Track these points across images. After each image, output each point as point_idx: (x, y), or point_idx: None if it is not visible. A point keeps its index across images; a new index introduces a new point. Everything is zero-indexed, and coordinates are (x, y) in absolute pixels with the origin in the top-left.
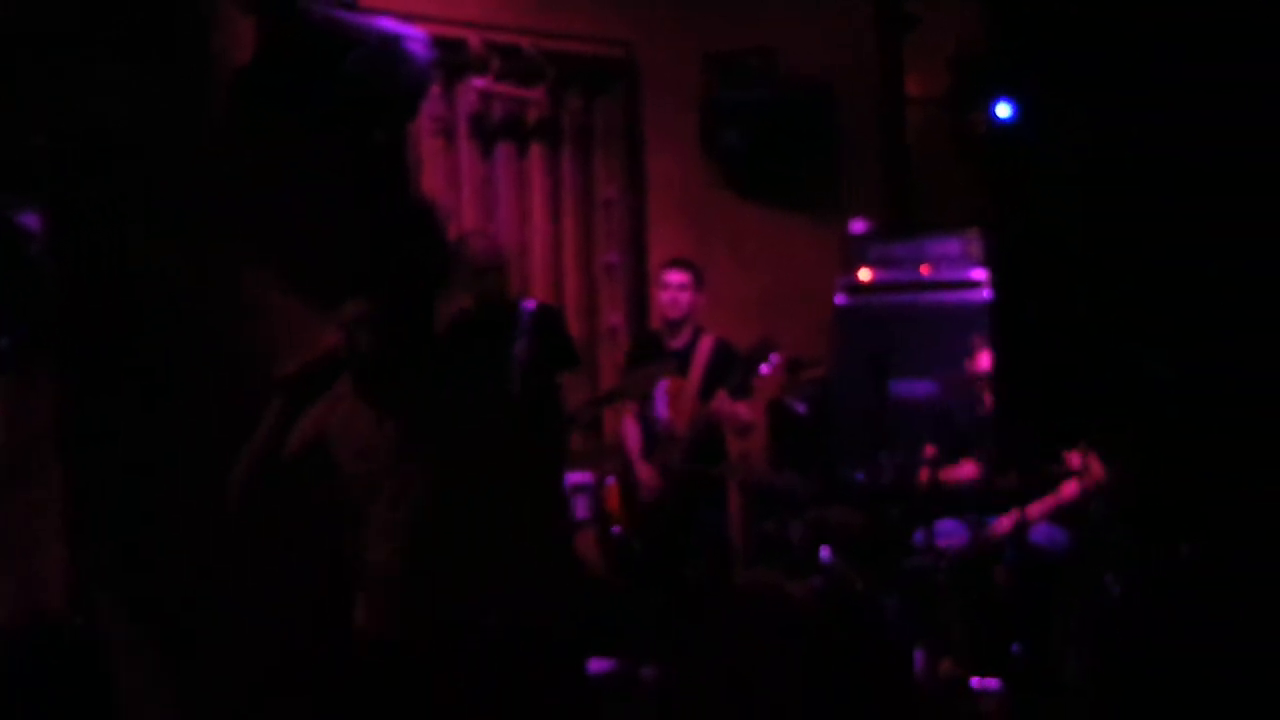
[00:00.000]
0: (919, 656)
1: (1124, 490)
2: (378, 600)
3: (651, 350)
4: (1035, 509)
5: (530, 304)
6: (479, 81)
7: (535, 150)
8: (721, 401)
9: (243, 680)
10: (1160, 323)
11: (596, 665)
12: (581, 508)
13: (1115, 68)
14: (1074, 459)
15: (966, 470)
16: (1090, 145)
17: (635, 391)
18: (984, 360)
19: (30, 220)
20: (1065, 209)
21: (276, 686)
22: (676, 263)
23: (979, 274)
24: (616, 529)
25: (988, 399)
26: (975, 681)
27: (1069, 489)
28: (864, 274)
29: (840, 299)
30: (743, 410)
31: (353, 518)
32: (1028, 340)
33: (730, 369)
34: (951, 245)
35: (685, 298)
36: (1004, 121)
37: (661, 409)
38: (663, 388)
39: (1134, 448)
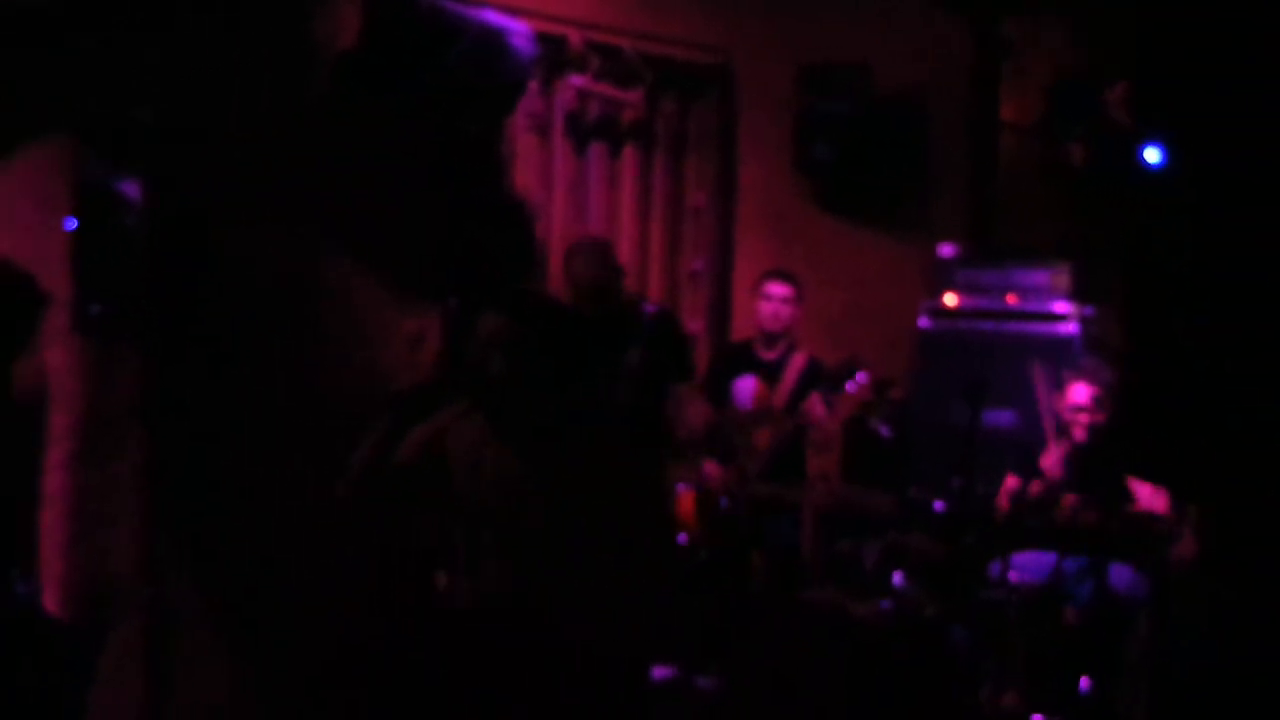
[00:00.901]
0: (984, 687)
1: (1208, 539)
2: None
3: (742, 360)
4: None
5: (651, 308)
6: (577, 80)
7: (628, 152)
8: (814, 403)
9: (304, 663)
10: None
11: (655, 671)
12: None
13: (1255, 103)
14: (1160, 503)
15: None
16: (1231, 189)
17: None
18: (1075, 395)
19: (129, 189)
20: (1191, 242)
21: (336, 672)
22: (780, 275)
23: (1065, 307)
24: (683, 537)
25: (1076, 434)
26: (1037, 717)
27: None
28: (949, 298)
29: (924, 322)
30: (830, 428)
31: (463, 535)
32: (1150, 381)
33: (819, 386)
34: (1039, 275)
35: (788, 311)
36: (1153, 167)
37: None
38: (749, 397)
39: (1226, 498)
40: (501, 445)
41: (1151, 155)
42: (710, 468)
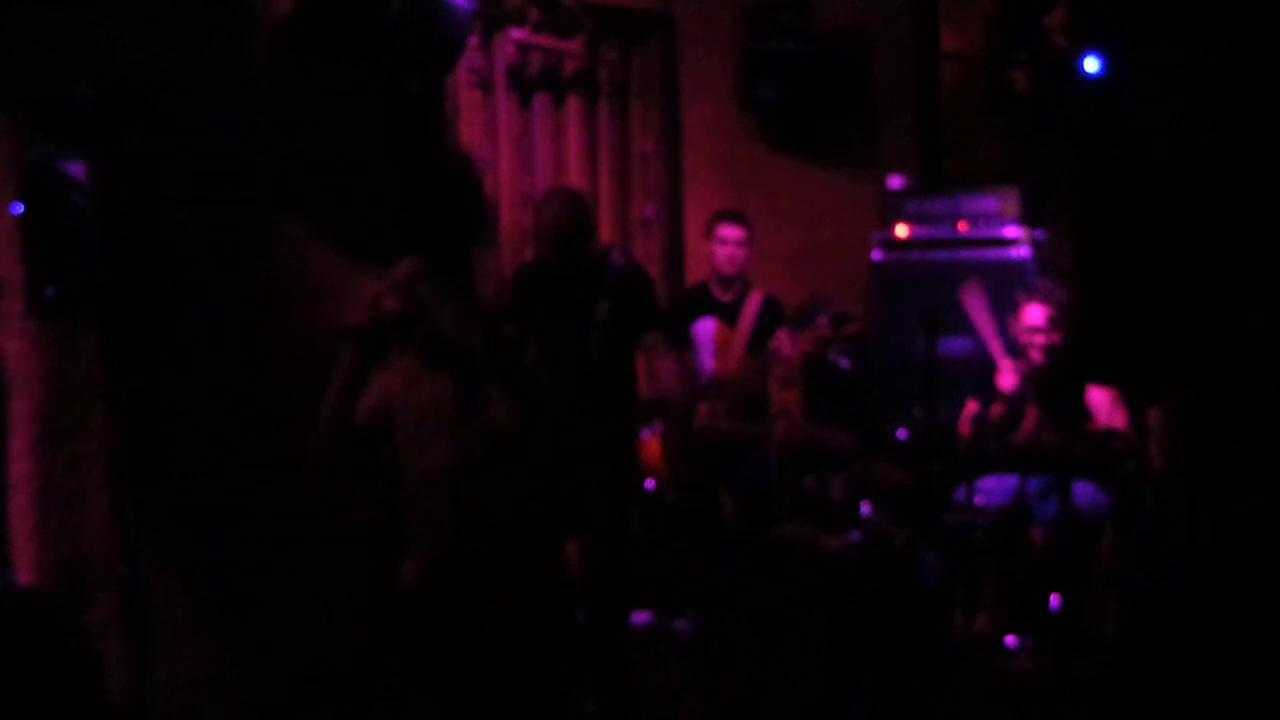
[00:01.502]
0: (956, 613)
1: (1176, 446)
2: (428, 557)
3: (699, 303)
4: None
5: (618, 259)
6: (517, 33)
7: (572, 102)
8: (781, 340)
9: (282, 631)
10: (1249, 277)
11: (633, 618)
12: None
13: (1199, 13)
14: (1119, 420)
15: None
16: (1176, 95)
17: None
18: (1030, 316)
19: (75, 169)
20: (1150, 160)
21: (314, 639)
22: (731, 216)
23: (1015, 231)
24: (650, 482)
25: (1033, 356)
26: (1010, 639)
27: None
28: (901, 230)
29: (877, 255)
30: (792, 362)
31: (410, 479)
32: (1105, 294)
33: (778, 324)
34: (989, 202)
35: (742, 253)
36: (1092, 76)
37: (707, 360)
38: (709, 339)
39: (1191, 403)
40: (438, 380)
41: (1090, 65)
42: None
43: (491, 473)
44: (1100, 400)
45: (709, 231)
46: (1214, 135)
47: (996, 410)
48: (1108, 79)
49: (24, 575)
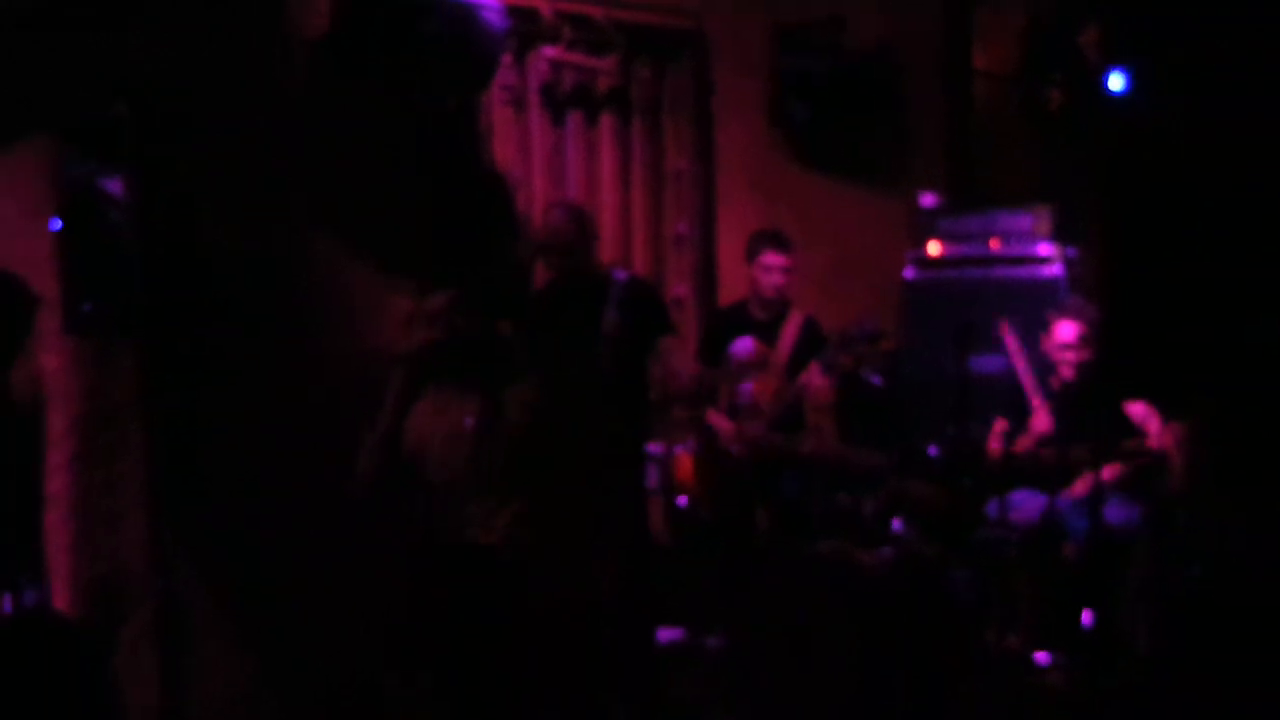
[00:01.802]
0: (988, 629)
1: (1203, 462)
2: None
3: (737, 323)
4: (1109, 473)
5: (622, 275)
6: (550, 51)
7: (605, 120)
8: (813, 373)
9: (319, 649)
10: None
11: (663, 634)
12: (650, 477)
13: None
14: (1154, 428)
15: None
16: (1203, 110)
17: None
18: (1061, 333)
19: (113, 186)
20: (1175, 176)
21: (352, 658)
22: (774, 241)
23: (1048, 249)
24: (683, 499)
25: (1064, 372)
26: (1041, 656)
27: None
28: (933, 248)
29: (909, 273)
30: (827, 387)
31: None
32: (1132, 308)
33: (817, 346)
34: (1021, 220)
35: (785, 280)
36: (1117, 94)
37: (746, 381)
38: (747, 356)
39: (1218, 418)
40: (465, 405)
41: (1115, 82)
42: (717, 419)
43: (512, 479)
44: (1138, 411)
45: (751, 256)
46: (1239, 149)
47: (1022, 444)
48: (1134, 95)
49: (59, 591)
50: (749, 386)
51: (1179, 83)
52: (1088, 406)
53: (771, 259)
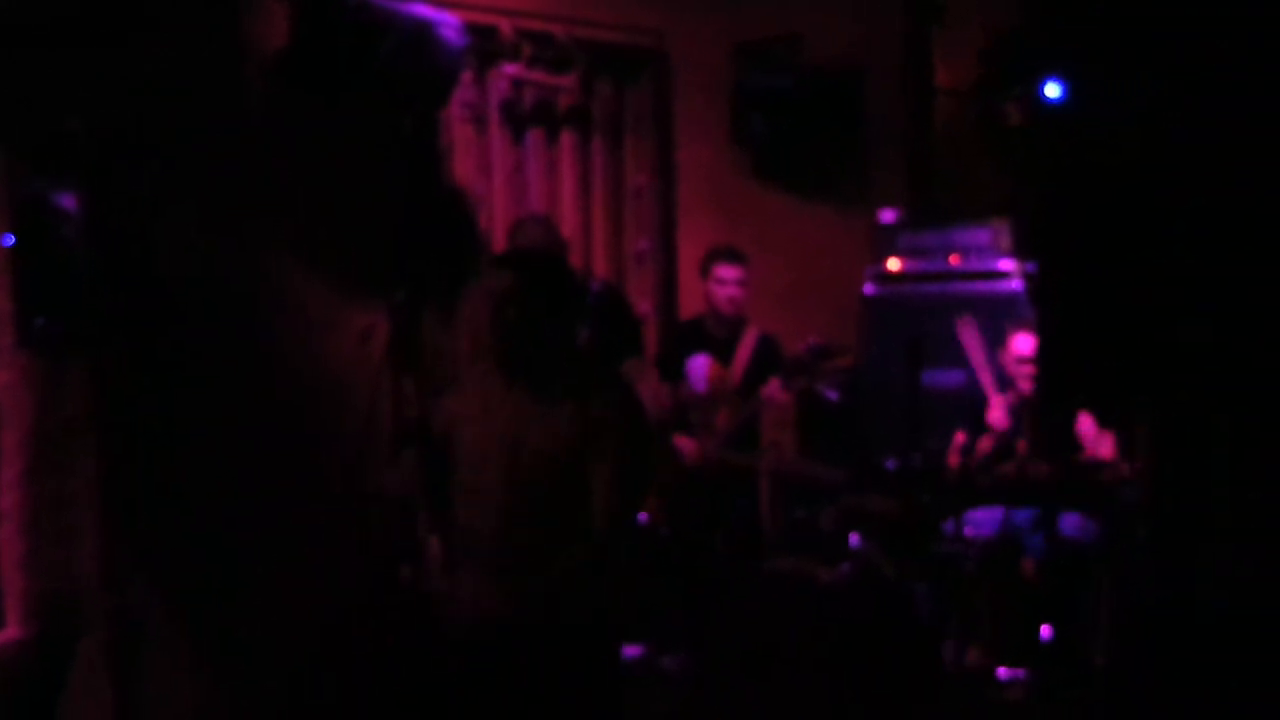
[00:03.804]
0: (947, 645)
1: (1145, 478)
2: (478, 573)
3: (694, 338)
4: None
5: (595, 285)
6: (510, 68)
7: (566, 138)
8: (774, 388)
9: (273, 666)
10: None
11: (624, 651)
12: None
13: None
14: (1105, 448)
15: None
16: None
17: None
18: (1018, 346)
19: (66, 202)
20: (1115, 186)
21: (306, 675)
22: (728, 255)
23: (1007, 264)
24: (642, 516)
25: (1022, 386)
26: (1001, 671)
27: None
28: (893, 263)
29: (869, 288)
30: (788, 402)
31: (464, 490)
32: (1075, 323)
33: (773, 363)
34: (980, 235)
35: (741, 293)
36: (1053, 102)
37: (699, 389)
38: (701, 375)
39: (1159, 432)
40: (499, 396)
41: (1051, 90)
42: (682, 442)
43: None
44: (1087, 428)
45: (705, 271)
46: (1176, 155)
47: (984, 444)
48: (1073, 104)
49: (11, 607)
50: (703, 396)
51: (1119, 91)
52: (1045, 420)
53: (725, 272)
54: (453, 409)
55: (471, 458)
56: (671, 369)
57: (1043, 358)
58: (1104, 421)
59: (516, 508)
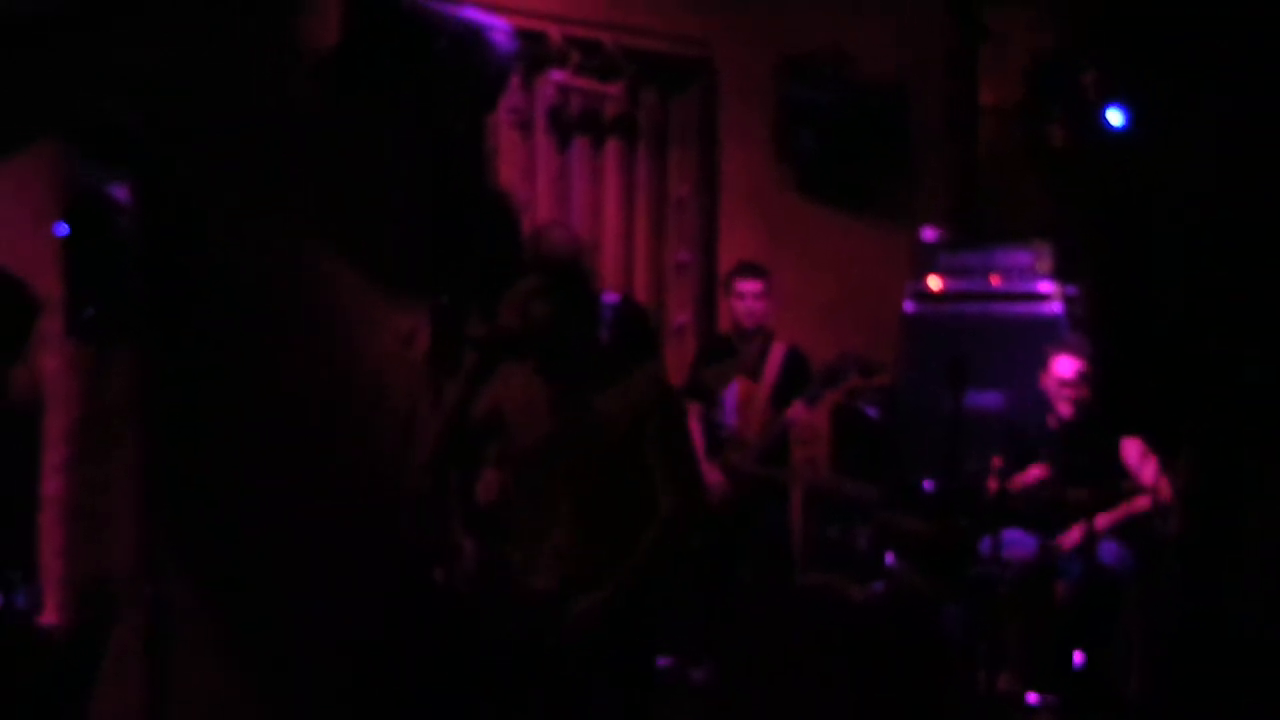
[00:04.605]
0: (978, 668)
1: (1197, 501)
2: (542, 564)
3: (723, 354)
4: (1103, 520)
5: (612, 297)
6: (558, 75)
7: (611, 146)
8: (797, 410)
9: (303, 657)
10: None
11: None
12: None
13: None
14: (1148, 473)
15: (1036, 473)
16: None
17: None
18: (1060, 369)
19: (120, 193)
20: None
21: (336, 666)
22: (748, 270)
23: (1048, 286)
24: None
25: (1062, 409)
26: (1031, 696)
27: (1140, 502)
28: (934, 282)
29: (909, 306)
30: (816, 420)
31: (521, 485)
32: (1129, 349)
33: (802, 378)
34: (1022, 256)
35: (760, 306)
36: (1116, 129)
37: (730, 413)
38: (733, 392)
39: (1199, 458)
40: (550, 396)
41: (1115, 117)
42: (709, 471)
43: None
44: (1131, 455)
45: (727, 286)
46: (1237, 184)
47: (1032, 474)
48: (1133, 131)
49: (50, 592)
50: (733, 419)
51: (1178, 119)
52: (1085, 444)
53: (744, 286)
54: (491, 402)
55: (516, 455)
56: (702, 383)
57: (1098, 382)
58: (1156, 447)
59: (570, 507)
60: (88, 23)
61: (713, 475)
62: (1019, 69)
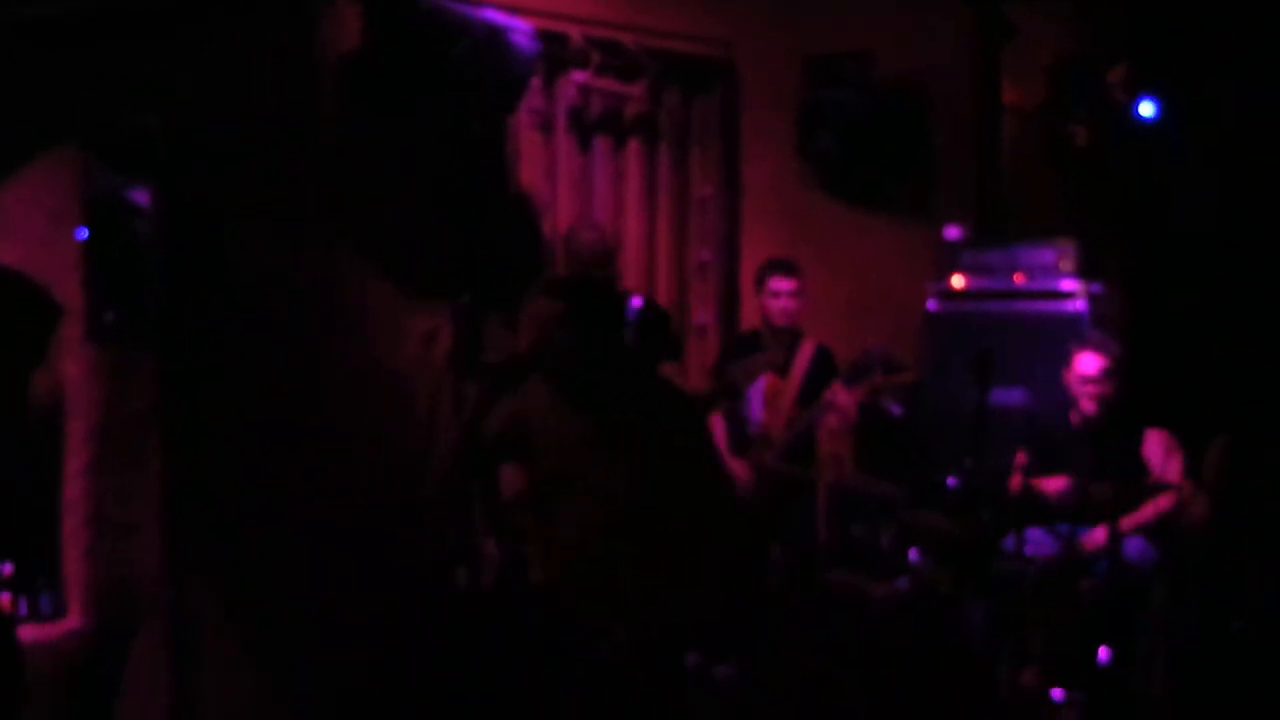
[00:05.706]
0: (1002, 665)
1: (1223, 498)
2: (570, 577)
3: (751, 350)
4: (1129, 521)
5: (637, 300)
6: (579, 75)
7: (633, 146)
8: (837, 392)
9: (327, 664)
10: None
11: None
12: None
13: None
14: (1173, 470)
15: (1058, 484)
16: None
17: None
18: (1083, 366)
19: (140, 198)
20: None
21: (360, 673)
22: (781, 267)
23: (1071, 284)
24: None
25: (1085, 406)
26: (1056, 693)
27: (1165, 502)
28: (957, 280)
29: (932, 305)
30: (851, 405)
31: (545, 503)
32: (1158, 345)
33: (830, 376)
34: (1045, 254)
35: (794, 305)
36: (1148, 121)
37: (756, 410)
38: (759, 388)
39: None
40: (573, 414)
41: (1146, 109)
42: (736, 465)
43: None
44: (1154, 452)
45: (759, 283)
46: (1265, 183)
47: (1056, 484)
48: (1161, 127)
49: (73, 596)
50: (759, 415)
51: (1205, 116)
52: (1109, 441)
53: (778, 284)
54: (513, 413)
55: (539, 463)
56: (728, 382)
57: (1125, 379)
58: (1182, 441)
59: (596, 512)
60: (108, 28)
61: (740, 470)
62: (1042, 68)
